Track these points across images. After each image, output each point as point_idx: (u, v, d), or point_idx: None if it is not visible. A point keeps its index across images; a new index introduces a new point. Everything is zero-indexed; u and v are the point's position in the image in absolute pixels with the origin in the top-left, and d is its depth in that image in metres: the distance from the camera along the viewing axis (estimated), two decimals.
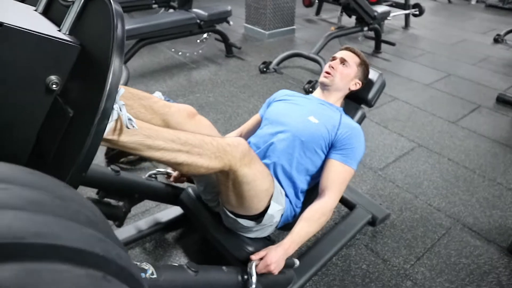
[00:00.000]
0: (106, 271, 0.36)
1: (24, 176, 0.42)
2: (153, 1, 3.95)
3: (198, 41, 3.85)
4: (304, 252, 1.61)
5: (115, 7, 0.65)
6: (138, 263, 0.92)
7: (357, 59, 1.59)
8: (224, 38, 3.76)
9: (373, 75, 1.70)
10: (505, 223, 1.89)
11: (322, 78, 1.56)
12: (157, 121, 1.17)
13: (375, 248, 1.73)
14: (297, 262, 1.42)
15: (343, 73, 1.54)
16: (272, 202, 1.23)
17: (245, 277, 1.21)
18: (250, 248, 1.33)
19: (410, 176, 2.21)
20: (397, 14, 4.94)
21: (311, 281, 1.56)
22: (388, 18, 4.44)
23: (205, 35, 3.74)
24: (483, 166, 2.33)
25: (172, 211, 1.78)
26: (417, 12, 5.14)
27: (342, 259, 1.67)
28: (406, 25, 5.20)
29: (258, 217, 1.26)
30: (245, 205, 1.19)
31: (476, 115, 2.95)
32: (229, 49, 3.86)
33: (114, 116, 0.76)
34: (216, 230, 1.41)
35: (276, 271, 1.23)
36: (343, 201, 1.92)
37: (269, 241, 1.43)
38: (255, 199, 1.17)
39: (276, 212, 1.27)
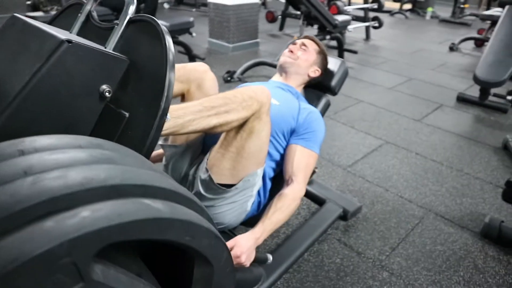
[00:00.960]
0: (176, 200, 0.56)
1: (108, 144, 0.61)
2: (115, 13, 3.87)
3: None
4: (274, 249, 1.50)
5: (163, 28, 0.80)
6: None
7: (316, 47, 1.57)
8: (187, 50, 3.70)
9: (335, 62, 1.66)
10: (476, 210, 1.86)
11: (282, 58, 1.52)
12: (193, 87, 1.28)
13: (348, 242, 1.64)
14: (270, 257, 1.30)
15: (302, 57, 1.52)
16: (258, 170, 1.18)
17: None
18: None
19: (379, 171, 2.17)
20: (358, 26, 5.09)
21: (282, 279, 1.44)
22: (349, 29, 4.56)
23: None
24: (450, 158, 2.33)
25: None
26: (377, 25, 5.32)
27: (314, 254, 1.57)
28: (367, 37, 5.36)
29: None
30: (241, 163, 1.12)
31: (439, 113, 3.00)
32: (193, 61, 3.80)
33: None
34: None
35: (247, 263, 1.11)
36: (312, 197, 1.83)
37: (234, 235, 1.31)
38: (253, 158, 1.12)
39: (257, 180, 1.20)
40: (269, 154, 1.32)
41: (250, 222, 1.43)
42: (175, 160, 1.31)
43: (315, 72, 1.54)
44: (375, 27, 5.37)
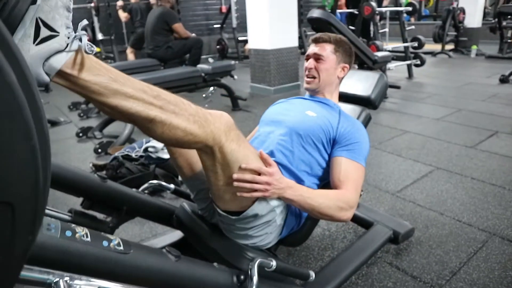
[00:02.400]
0: None
1: None
2: (162, 64, 4.16)
3: (204, 95, 3.94)
4: (318, 271, 1.39)
5: None
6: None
7: (330, 46, 1.38)
8: (229, 92, 3.84)
9: (373, 76, 1.64)
10: None
11: (306, 85, 1.42)
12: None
13: (401, 266, 1.48)
14: (312, 274, 1.21)
15: (323, 69, 1.37)
16: None
17: (242, 277, 1.01)
18: (251, 255, 1.13)
19: (431, 195, 2.01)
20: (399, 64, 5.06)
21: None
22: (390, 68, 4.54)
23: (211, 89, 3.84)
24: None
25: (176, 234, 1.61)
26: (419, 62, 5.25)
27: (363, 278, 1.43)
28: (409, 75, 5.28)
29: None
30: (235, 192, 1.01)
31: (495, 139, 2.79)
32: (235, 103, 3.92)
33: (73, 46, 0.69)
34: (213, 241, 1.23)
35: (268, 189, 0.98)
36: (358, 220, 1.72)
37: (271, 252, 1.24)
38: None
39: (274, 205, 1.08)
40: (309, 167, 1.26)
41: (291, 240, 1.36)
42: (193, 192, 1.26)
43: (343, 70, 1.40)
44: (417, 65, 5.30)
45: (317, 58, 1.36)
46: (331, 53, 1.36)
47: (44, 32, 0.66)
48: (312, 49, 1.39)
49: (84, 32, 0.71)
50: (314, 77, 1.38)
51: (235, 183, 0.95)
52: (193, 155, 1.16)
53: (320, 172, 1.28)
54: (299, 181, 1.24)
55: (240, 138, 0.93)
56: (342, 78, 1.44)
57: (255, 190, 0.97)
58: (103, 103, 0.75)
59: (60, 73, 0.69)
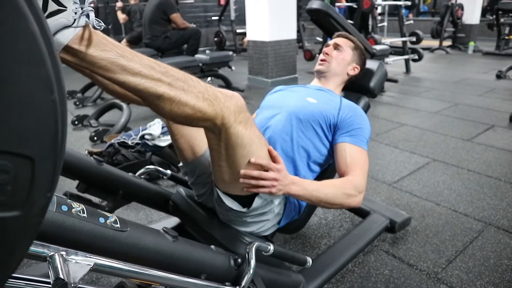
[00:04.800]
0: None
1: None
2: (159, 54, 4.12)
3: None
4: (315, 258, 1.39)
5: None
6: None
7: (351, 43, 1.51)
8: (226, 82, 3.82)
9: (372, 64, 1.63)
10: None
11: (317, 66, 1.47)
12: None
13: (398, 254, 1.49)
14: (309, 260, 1.20)
15: (338, 58, 1.46)
16: None
17: (239, 260, 1.00)
18: (249, 240, 1.12)
19: (428, 186, 2.01)
20: (397, 59, 5.05)
21: None
22: (388, 62, 4.53)
23: (208, 79, 3.81)
24: (508, 174, 2.12)
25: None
26: (416, 57, 5.25)
27: (360, 266, 1.43)
28: (407, 70, 5.29)
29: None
30: (237, 175, 1.01)
31: (491, 133, 2.80)
32: None
33: (80, 21, 0.67)
34: (210, 226, 1.22)
35: (274, 185, 0.96)
36: (355, 209, 1.72)
37: (268, 239, 1.23)
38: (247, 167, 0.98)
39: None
40: (307, 152, 1.25)
41: (290, 228, 1.35)
42: (192, 177, 1.24)
43: (354, 69, 1.48)
44: (414, 60, 5.30)
45: (336, 47, 1.47)
46: (349, 48, 1.48)
47: (52, 6, 0.64)
48: (334, 40, 1.52)
49: (91, 8, 0.70)
50: (326, 61, 1.45)
51: (241, 180, 0.94)
52: (195, 137, 1.15)
53: (319, 158, 1.27)
54: (297, 166, 1.24)
55: (249, 121, 0.91)
56: (350, 78, 1.49)
57: (262, 186, 0.96)
58: (111, 79, 0.73)
59: (67, 49, 0.68)
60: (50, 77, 0.37)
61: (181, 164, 1.27)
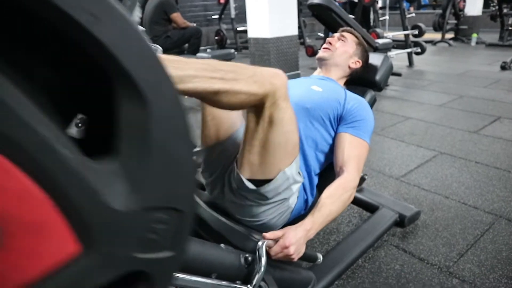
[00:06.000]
0: None
1: None
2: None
3: None
4: (324, 254, 1.37)
5: None
6: None
7: (355, 38, 1.52)
8: None
9: (378, 57, 1.61)
10: None
11: (319, 53, 1.48)
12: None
13: (408, 248, 1.47)
14: (320, 256, 1.19)
15: (341, 49, 1.47)
16: (292, 163, 1.05)
17: (250, 259, 0.99)
18: (258, 237, 1.11)
19: (436, 179, 1.99)
20: (400, 52, 5.02)
21: (334, 285, 1.30)
22: (391, 56, 4.50)
23: None
24: None
25: None
26: (419, 50, 5.21)
27: (370, 261, 1.42)
28: (410, 63, 5.24)
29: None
30: (269, 157, 1.00)
31: (498, 124, 2.77)
32: None
33: None
34: (218, 224, 1.21)
35: (295, 257, 1.01)
36: (363, 204, 1.70)
37: None
38: (282, 150, 1.00)
39: (293, 173, 1.06)
40: (315, 143, 1.25)
41: (297, 223, 1.34)
42: (207, 164, 1.26)
43: (356, 63, 1.47)
44: (417, 53, 5.25)
45: (341, 38, 1.49)
46: (353, 42, 1.50)
47: None
48: (339, 32, 1.54)
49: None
50: (329, 49, 1.47)
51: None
52: (225, 121, 1.18)
53: (326, 149, 1.27)
54: (306, 156, 1.23)
55: (287, 98, 0.95)
56: (351, 72, 1.49)
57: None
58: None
59: None
60: (191, 142, 0.45)
61: (197, 148, 1.26)
